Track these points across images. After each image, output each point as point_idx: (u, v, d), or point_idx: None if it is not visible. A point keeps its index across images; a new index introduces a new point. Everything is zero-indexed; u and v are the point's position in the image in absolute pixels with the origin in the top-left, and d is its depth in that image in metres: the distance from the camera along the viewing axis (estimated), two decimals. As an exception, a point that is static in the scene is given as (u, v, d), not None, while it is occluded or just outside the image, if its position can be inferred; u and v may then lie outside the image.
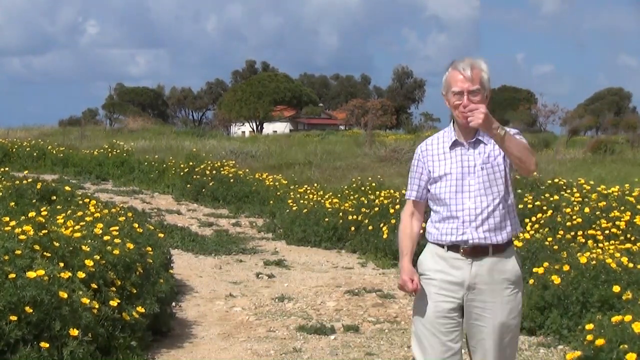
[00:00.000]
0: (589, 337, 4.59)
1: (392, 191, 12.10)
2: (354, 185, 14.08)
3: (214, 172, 17.53)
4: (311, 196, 13.53)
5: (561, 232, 8.05)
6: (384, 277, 9.04)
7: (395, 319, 7.04)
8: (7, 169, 15.42)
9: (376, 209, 10.98)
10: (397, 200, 10.74)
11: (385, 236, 10.07)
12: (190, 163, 18.74)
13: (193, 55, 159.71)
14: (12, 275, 4.43)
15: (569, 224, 8.24)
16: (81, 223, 6.64)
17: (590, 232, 7.99)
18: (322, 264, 10.05)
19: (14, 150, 24.22)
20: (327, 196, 13.16)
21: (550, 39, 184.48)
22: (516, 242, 7.65)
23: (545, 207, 9.16)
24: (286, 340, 6.28)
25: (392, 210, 10.42)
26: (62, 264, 5.03)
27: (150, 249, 6.82)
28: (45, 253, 5.08)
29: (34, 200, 9.49)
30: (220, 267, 9.59)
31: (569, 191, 10.00)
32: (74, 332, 4.44)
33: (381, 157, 22.19)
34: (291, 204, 13.04)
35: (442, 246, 3.38)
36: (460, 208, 3.33)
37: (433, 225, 3.43)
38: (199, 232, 12.17)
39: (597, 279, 6.10)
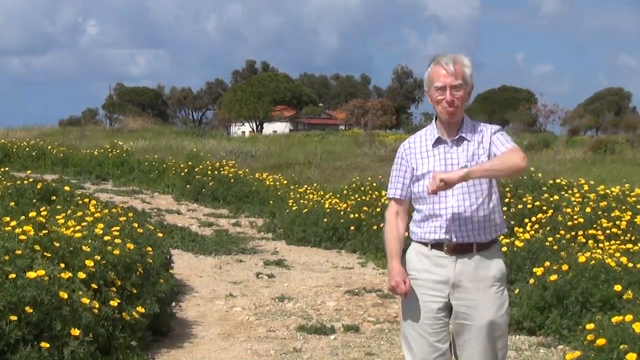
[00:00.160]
0: (589, 337, 4.59)
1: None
2: (354, 185, 14.08)
3: (214, 172, 17.52)
4: (311, 196, 13.54)
5: (561, 232, 8.04)
6: (384, 277, 9.04)
7: (395, 318, 7.03)
8: (7, 169, 15.43)
9: (378, 209, 10.97)
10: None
11: (385, 236, 10.04)
12: (190, 163, 18.74)
13: (193, 55, 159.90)
14: (13, 275, 4.42)
15: (570, 223, 8.24)
16: (83, 223, 6.64)
17: (591, 231, 7.98)
18: (322, 264, 10.05)
19: (14, 150, 24.21)
20: (327, 196, 13.17)
21: (550, 39, 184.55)
22: (516, 242, 7.66)
23: (545, 207, 9.16)
24: (286, 340, 6.28)
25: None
26: (62, 264, 5.03)
27: (150, 249, 6.82)
28: (45, 253, 5.08)
29: (34, 200, 9.49)
30: (220, 267, 9.59)
31: (569, 191, 9.99)
32: (75, 331, 4.44)
33: (381, 157, 22.18)
34: (291, 204, 13.04)
35: (426, 244, 3.35)
36: (443, 207, 3.30)
37: (416, 224, 3.41)
38: (199, 232, 12.17)
39: (596, 278, 6.10)
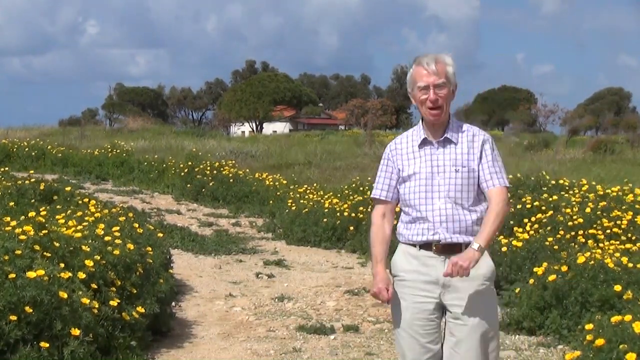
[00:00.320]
0: (589, 337, 4.59)
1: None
2: (354, 185, 14.08)
3: (214, 172, 17.52)
4: (311, 196, 13.54)
5: (561, 232, 8.04)
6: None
7: (395, 319, 7.04)
8: (7, 168, 15.43)
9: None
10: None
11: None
12: (190, 163, 18.74)
13: (193, 55, 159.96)
14: (12, 275, 4.43)
15: (570, 223, 8.24)
16: (83, 223, 6.65)
17: (591, 231, 7.99)
18: (321, 264, 10.05)
19: (14, 150, 24.20)
20: (326, 196, 13.17)
21: (550, 39, 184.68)
22: (516, 242, 7.66)
23: (544, 208, 9.16)
24: (286, 340, 6.28)
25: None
26: (62, 264, 5.03)
27: (150, 249, 6.82)
28: (45, 253, 5.09)
29: (33, 200, 9.49)
30: (220, 267, 9.59)
31: (570, 192, 9.99)
32: (75, 331, 4.44)
33: (381, 157, 22.14)
34: (291, 204, 13.04)
35: (414, 245, 3.34)
36: (430, 209, 3.29)
37: (404, 225, 3.39)
38: (198, 232, 12.17)
39: (595, 279, 6.10)
